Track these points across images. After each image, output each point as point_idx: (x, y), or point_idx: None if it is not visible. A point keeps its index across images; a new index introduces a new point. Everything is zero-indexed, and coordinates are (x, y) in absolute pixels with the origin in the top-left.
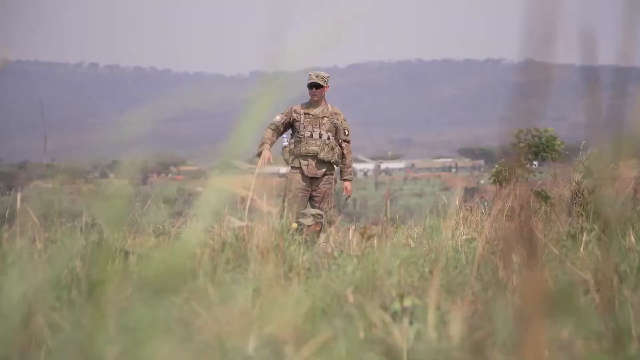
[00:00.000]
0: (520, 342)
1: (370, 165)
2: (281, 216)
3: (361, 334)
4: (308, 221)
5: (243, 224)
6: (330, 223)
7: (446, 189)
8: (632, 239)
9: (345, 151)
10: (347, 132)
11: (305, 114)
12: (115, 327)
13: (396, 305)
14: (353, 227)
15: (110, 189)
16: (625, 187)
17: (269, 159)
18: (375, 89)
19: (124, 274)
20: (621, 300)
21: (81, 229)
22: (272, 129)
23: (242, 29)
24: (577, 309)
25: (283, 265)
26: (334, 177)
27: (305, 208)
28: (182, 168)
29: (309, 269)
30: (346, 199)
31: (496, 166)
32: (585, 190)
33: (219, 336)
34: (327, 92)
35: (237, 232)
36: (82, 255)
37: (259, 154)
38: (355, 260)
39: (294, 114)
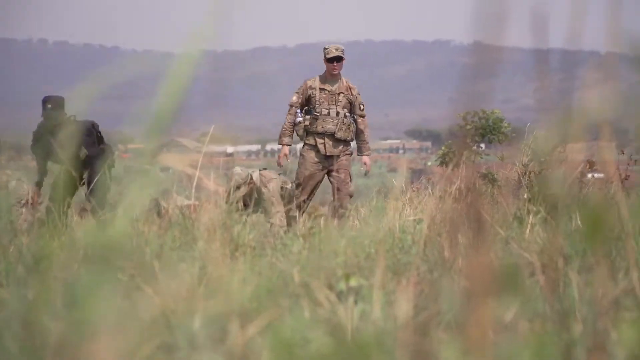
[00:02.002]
0: (465, 322)
1: None
2: (296, 196)
3: (306, 313)
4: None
5: (190, 202)
6: (350, 196)
7: (393, 170)
8: (578, 221)
9: (361, 127)
10: (362, 107)
11: (321, 89)
12: (61, 302)
13: (342, 285)
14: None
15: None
16: (572, 170)
17: (287, 157)
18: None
19: (69, 250)
20: (566, 282)
21: (26, 205)
22: (291, 114)
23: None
24: (522, 290)
25: (229, 244)
26: (350, 151)
27: (319, 185)
28: (130, 146)
29: (255, 248)
30: (365, 174)
31: (443, 148)
32: (532, 172)
33: (164, 313)
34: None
35: (184, 210)
36: (28, 231)
37: (281, 143)
38: (301, 240)
39: (310, 90)
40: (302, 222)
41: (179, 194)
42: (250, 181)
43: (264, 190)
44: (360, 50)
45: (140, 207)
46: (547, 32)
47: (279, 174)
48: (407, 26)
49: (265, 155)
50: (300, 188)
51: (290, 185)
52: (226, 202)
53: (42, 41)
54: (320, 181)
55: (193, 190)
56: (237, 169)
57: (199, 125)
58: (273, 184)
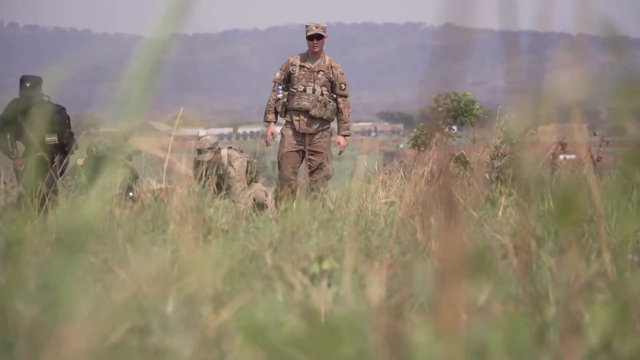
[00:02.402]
0: (437, 305)
1: None
2: (279, 174)
3: (279, 296)
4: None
5: (162, 185)
6: (328, 178)
7: (365, 153)
8: (551, 203)
9: (341, 106)
10: (343, 87)
11: (300, 66)
12: (33, 286)
13: (315, 268)
14: (272, 189)
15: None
16: (544, 152)
17: (273, 134)
18: (295, 52)
19: (41, 233)
20: (539, 264)
21: None
22: (274, 91)
23: None
24: (495, 272)
25: (202, 227)
26: (329, 130)
27: (299, 164)
28: (102, 129)
29: (227, 231)
30: (339, 154)
31: (415, 130)
32: (504, 154)
33: (137, 296)
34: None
35: (156, 194)
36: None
37: (266, 120)
38: (274, 223)
39: (291, 67)
40: (274, 204)
41: (151, 177)
42: (217, 150)
43: (229, 169)
44: (331, 33)
45: (112, 190)
46: (516, 14)
47: (241, 151)
48: (378, 9)
49: (237, 138)
50: (280, 167)
51: (255, 160)
52: (194, 171)
53: (13, 25)
54: (301, 161)
55: (164, 174)
56: (207, 136)
57: (170, 108)
58: (238, 163)
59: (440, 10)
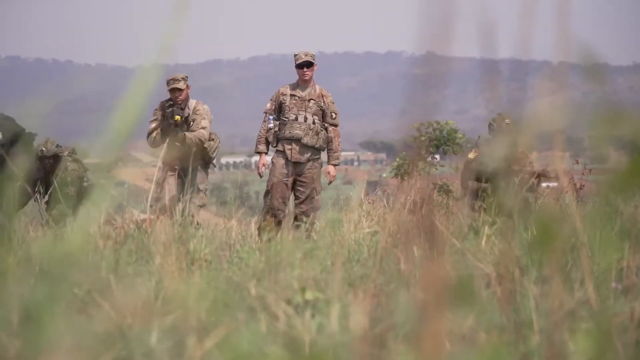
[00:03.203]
0: (421, 334)
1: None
2: (265, 203)
3: (263, 327)
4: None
5: (145, 216)
6: (316, 209)
7: (348, 182)
8: (534, 231)
9: (331, 135)
10: (334, 115)
11: (291, 95)
12: (17, 316)
13: (298, 298)
14: (255, 219)
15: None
16: (527, 180)
17: (264, 165)
18: (276, 82)
19: (25, 265)
20: (522, 293)
21: None
22: (265, 122)
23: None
24: (479, 301)
25: (185, 258)
26: (320, 161)
27: (289, 194)
28: (86, 161)
29: (211, 262)
30: (329, 183)
31: (398, 159)
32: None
33: (121, 327)
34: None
35: (139, 224)
36: None
37: (257, 151)
38: (257, 253)
39: (281, 96)
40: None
41: (134, 208)
42: (188, 86)
43: (202, 122)
44: None
45: (96, 221)
46: (495, 42)
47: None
48: (359, 38)
49: (220, 168)
50: (269, 195)
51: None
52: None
53: None
54: (291, 191)
55: (149, 204)
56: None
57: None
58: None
59: (421, 39)
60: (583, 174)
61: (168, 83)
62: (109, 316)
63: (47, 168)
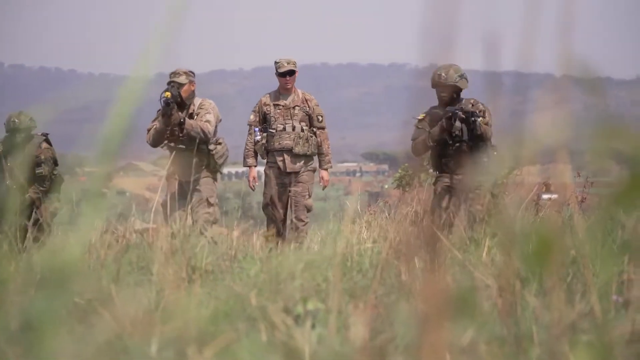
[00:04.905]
0: (421, 346)
1: None
2: (268, 215)
3: (264, 337)
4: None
5: (147, 225)
6: (308, 209)
7: (350, 193)
8: (535, 244)
9: (320, 139)
10: (320, 119)
11: (275, 105)
12: (17, 326)
13: (299, 309)
14: (258, 230)
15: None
16: (528, 193)
17: (254, 179)
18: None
19: (26, 273)
20: (523, 305)
21: None
22: (251, 134)
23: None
24: (479, 313)
25: (186, 268)
26: (313, 166)
27: (287, 203)
28: (87, 169)
29: (213, 272)
30: (323, 189)
31: (400, 171)
32: (490, 195)
33: (121, 337)
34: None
35: (141, 233)
36: None
37: (246, 165)
38: (258, 263)
39: (265, 107)
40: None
41: (136, 217)
42: (193, 82)
43: (208, 116)
44: (316, 74)
45: (96, 230)
46: (499, 55)
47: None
48: (363, 49)
49: (222, 178)
50: (269, 208)
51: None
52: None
53: None
54: (287, 198)
55: (152, 214)
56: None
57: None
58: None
59: (424, 51)
60: (585, 186)
61: (170, 76)
62: (110, 326)
63: (16, 143)
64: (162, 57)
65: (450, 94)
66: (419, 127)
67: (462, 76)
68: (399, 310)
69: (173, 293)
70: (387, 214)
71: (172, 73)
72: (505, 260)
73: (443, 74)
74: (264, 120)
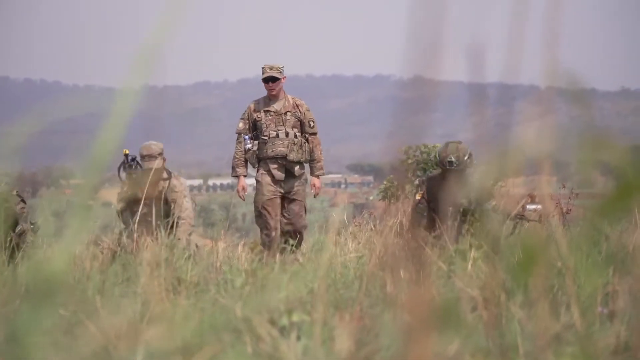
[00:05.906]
0: (406, 357)
1: None
2: (260, 225)
3: (249, 349)
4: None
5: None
6: (304, 228)
7: (335, 205)
8: (520, 255)
9: (312, 145)
10: (312, 124)
11: (265, 111)
12: (3, 337)
13: (284, 320)
14: (242, 242)
15: None
16: (513, 204)
17: (244, 188)
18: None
19: (11, 285)
20: (508, 317)
21: None
22: (240, 143)
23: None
24: (464, 325)
25: (172, 280)
26: (305, 178)
27: (281, 210)
28: (72, 181)
29: (198, 284)
30: (315, 196)
31: (385, 182)
32: (475, 207)
33: (106, 348)
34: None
35: (126, 245)
36: None
37: (235, 175)
38: (244, 275)
39: (255, 114)
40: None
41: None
42: (164, 158)
43: (184, 200)
44: (301, 85)
45: (81, 242)
46: (483, 66)
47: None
48: (347, 61)
49: (207, 190)
50: (262, 216)
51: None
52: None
53: None
54: (281, 206)
55: (135, 226)
56: (151, 142)
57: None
58: (189, 200)
59: (409, 63)
60: (570, 198)
61: (142, 157)
62: (95, 337)
63: None
64: (151, 69)
65: (459, 177)
66: (418, 209)
67: (469, 156)
68: (384, 321)
69: (158, 305)
70: (372, 226)
71: (145, 156)
72: (491, 272)
73: (454, 159)
74: (254, 128)
